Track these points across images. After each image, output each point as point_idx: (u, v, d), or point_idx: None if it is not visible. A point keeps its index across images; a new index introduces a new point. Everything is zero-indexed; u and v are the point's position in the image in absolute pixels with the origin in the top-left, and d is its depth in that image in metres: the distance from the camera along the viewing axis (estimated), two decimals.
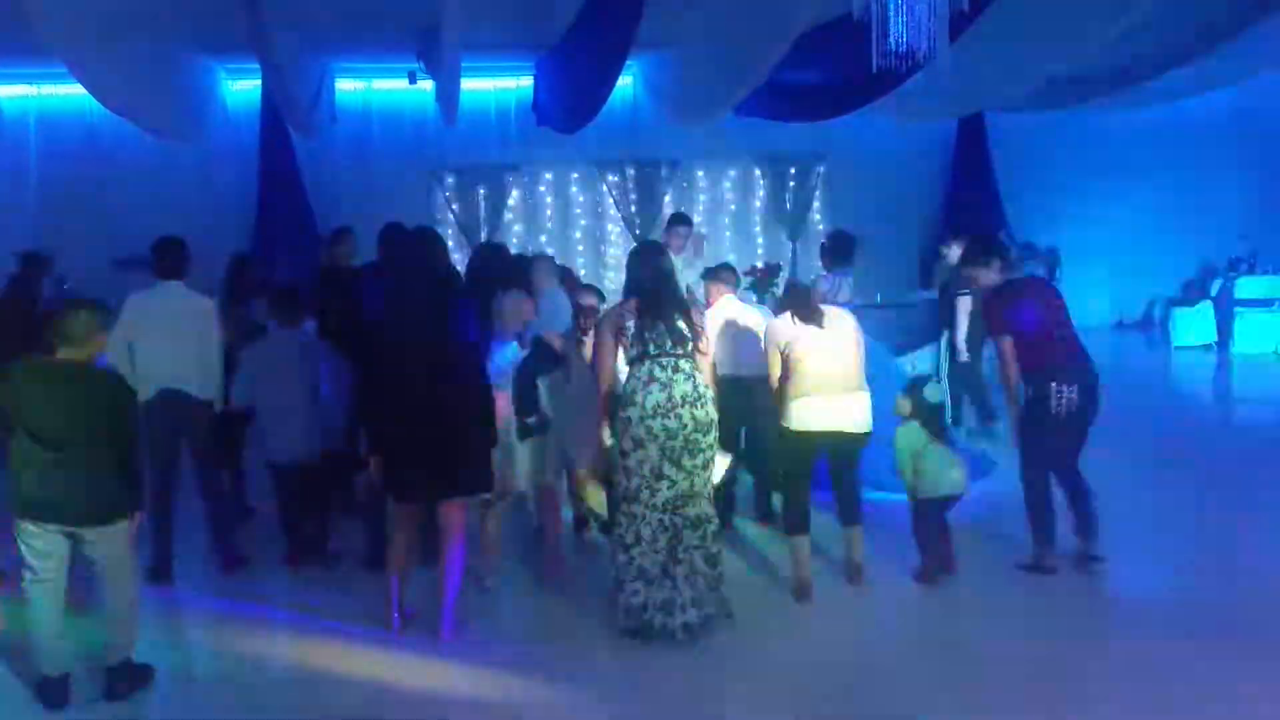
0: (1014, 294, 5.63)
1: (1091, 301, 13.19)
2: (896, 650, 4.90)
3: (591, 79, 10.18)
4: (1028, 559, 5.55)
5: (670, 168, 13.63)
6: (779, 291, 11.33)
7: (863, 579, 5.44)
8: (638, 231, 13.57)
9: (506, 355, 5.36)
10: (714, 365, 5.28)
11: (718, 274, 6.51)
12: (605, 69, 9.72)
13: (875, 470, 6.03)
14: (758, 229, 14.14)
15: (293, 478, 5.96)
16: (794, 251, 13.77)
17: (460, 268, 6.48)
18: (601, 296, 6.71)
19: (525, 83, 12.76)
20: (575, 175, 13.74)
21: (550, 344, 5.52)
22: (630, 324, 4.86)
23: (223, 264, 7.68)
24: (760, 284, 11.04)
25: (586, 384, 5.89)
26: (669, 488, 4.76)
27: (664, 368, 4.79)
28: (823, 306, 5.47)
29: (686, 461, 4.76)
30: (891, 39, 5.76)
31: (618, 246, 13.70)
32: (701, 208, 13.68)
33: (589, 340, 6.07)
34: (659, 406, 4.72)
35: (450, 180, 13.38)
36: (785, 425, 5.33)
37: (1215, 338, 13.35)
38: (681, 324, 4.86)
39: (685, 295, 7.65)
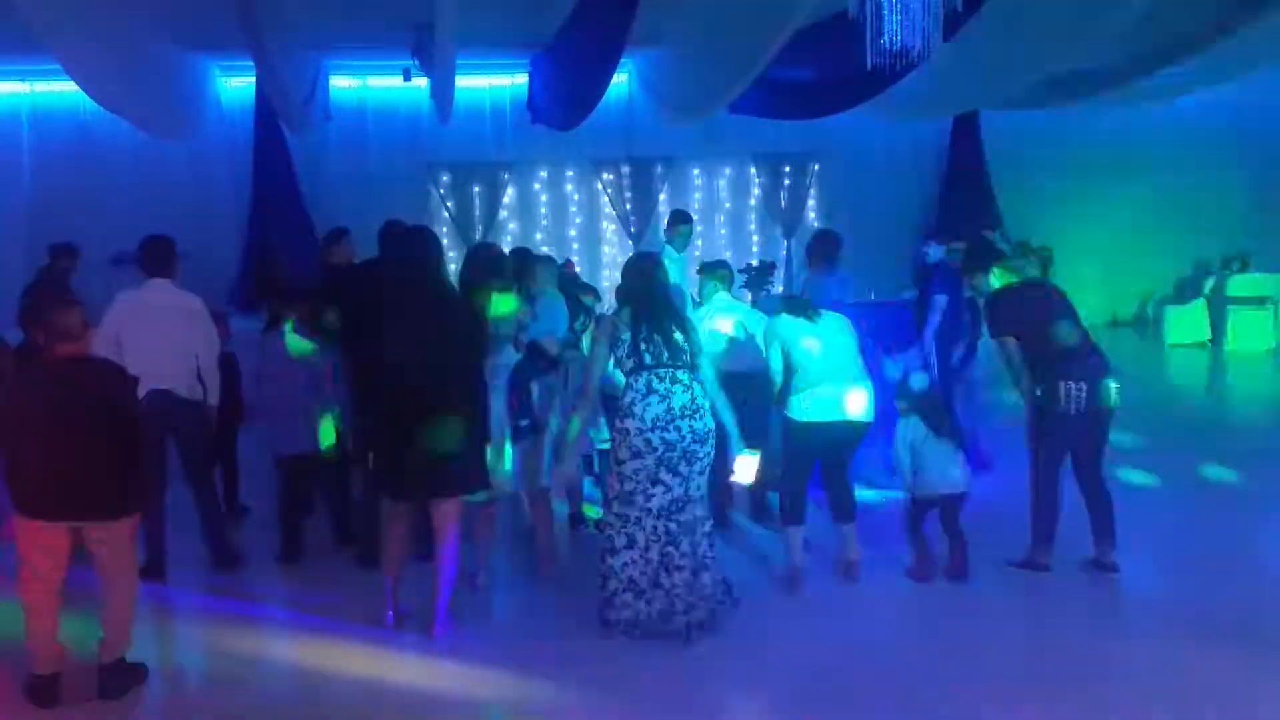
0: (1015, 295, 5.65)
1: (1085, 300, 13.16)
2: (893, 649, 4.89)
3: (586, 76, 10.18)
4: (1021, 556, 5.56)
5: (665, 165, 13.65)
6: (774, 289, 11.36)
7: (857, 577, 5.46)
8: (633, 229, 13.58)
9: (501, 357, 5.35)
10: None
11: (712, 270, 6.51)
12: (600, 66, 9.71)
13: (868, 467, 6.03)
14: (752, 227, 14.18)
15: (299, 470, 6.03)
16: (789, 249, 13.78)
17: (454, 266, 6.48)
18: (598, 295, 6.71)
19: (520, 80, 12.77)
20: (570, 173, 13.74)
21: (545, 348, 5.54)
22: (625, 335, 4.84)
23: (218, 261, 7.66)
24: (755, 282, 11.05)
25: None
26: (664, 493, 4.75)
27: (661, 379, 4.77)
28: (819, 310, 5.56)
29: (683, 468, 4.76)
30: (886, 37, 5.78)
31: (613, 244, 13.73)
32: (696, 206, 13.68)
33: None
34: (658, 420, 4.71)
35: (445, 178, 13.37)
36: (789, 416, 5.39)
37: (1208, 335, 13.39)
38: (679, 336, 4.85)
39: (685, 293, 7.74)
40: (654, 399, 4.73)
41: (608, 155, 13.45)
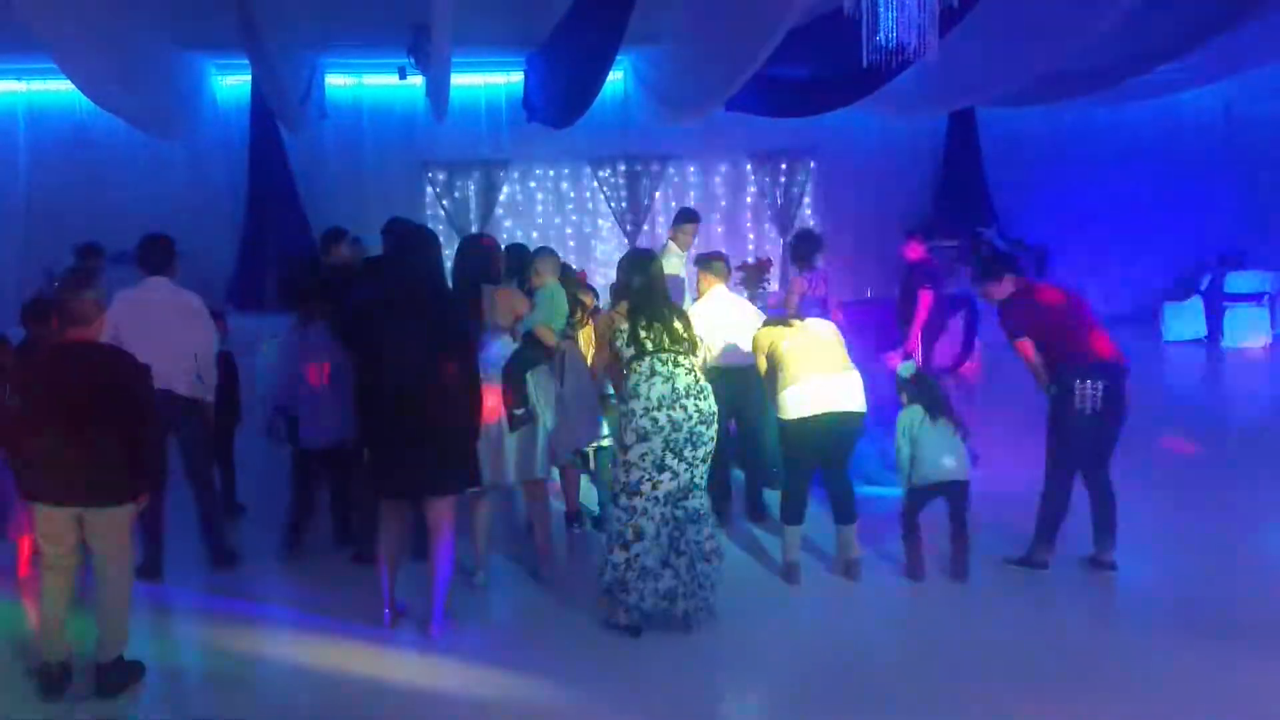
0: (1026, 298, 5.64)
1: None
2: (892, 647, 4.91)
3: (582, 74, 10.17)
4: (1020, 553, 5.56)
5: (661, 163, 13.65)
6: (770, 287, 11.38)
7: (858, 575, 5.47)
8: (629, 227, 13.58)
9: (497, 348, 5.35)
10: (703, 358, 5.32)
11: (709, 264, 6.49)
12: (596, 64, 9.71)
13: (866, 464, 6.04)
14: (748, 224, 14.18)
15: (322, 463, 6.04)
16: (784, 247, 13.78)
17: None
18: (595, 294, 6.72)
19: (516, 78, 12.75)
20: (566, 171, 13.74)
21: (541, 338, 5.52)
22: (624, 326, 4.90)
23: (214, 259, 7.65)
24: (750, 280, 11.07)
25: (582, 379, 5.91)
26: (670, 479, 4.78)
27: (664, 362, 4.82)
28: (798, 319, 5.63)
29: (688, 453, 4.78)
30: (882, 34, 5.78)
31: (608, 242, 13.71)
32: (692, 203, 13.66)
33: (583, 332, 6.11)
34: (664, 399, 4.75)
35: (441, 176, 13.36)
36: (782, 417, 5.39)
37: (1205, 332, 13.41)
38: (678, 324, 4.92)
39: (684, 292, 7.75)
40: (658, 379, 4.78)
41: (604, 153, 13.45)
